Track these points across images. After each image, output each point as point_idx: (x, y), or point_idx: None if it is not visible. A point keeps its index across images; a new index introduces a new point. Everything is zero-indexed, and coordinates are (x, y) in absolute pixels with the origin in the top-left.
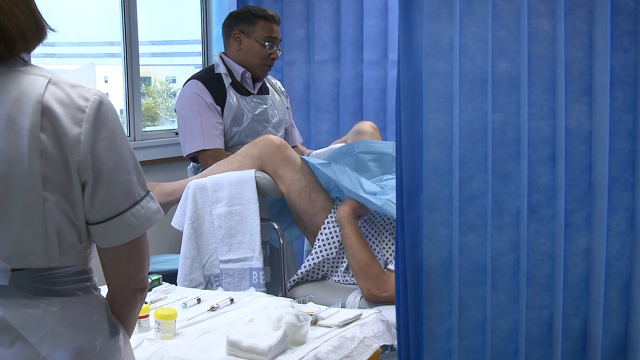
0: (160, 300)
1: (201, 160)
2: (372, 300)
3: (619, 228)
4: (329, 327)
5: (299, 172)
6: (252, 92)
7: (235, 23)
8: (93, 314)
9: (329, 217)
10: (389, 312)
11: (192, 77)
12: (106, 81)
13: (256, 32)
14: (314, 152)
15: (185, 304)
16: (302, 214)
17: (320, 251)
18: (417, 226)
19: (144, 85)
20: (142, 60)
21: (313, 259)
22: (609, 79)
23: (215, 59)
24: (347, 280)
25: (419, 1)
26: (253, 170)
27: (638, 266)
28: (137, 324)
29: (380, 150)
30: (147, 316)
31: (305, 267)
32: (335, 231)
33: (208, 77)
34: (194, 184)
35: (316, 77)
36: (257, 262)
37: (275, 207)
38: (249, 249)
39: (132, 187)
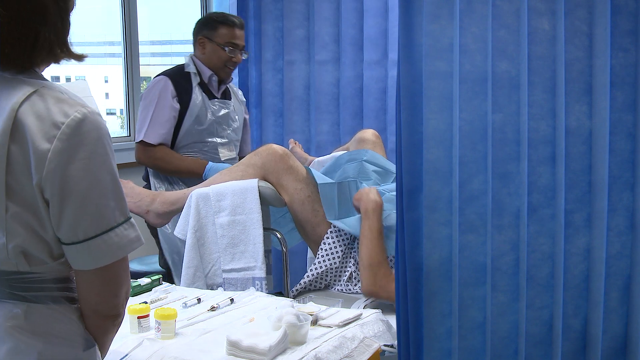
0: (161, 300)
1: (137, 149)
2: (369, 296)
3: (619, 228)
4: (329, 327)
5: (302, 181)
6: (216, 95)
7: (199, 29)
8: (62, 324)
9: (331, 226)
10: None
11: (163, 73)
12: (106, 81)
13: (217, 37)
14: (317, 159)
15: (185, 304)
16: (305, 224)
17: (324, 261)
18: (417, 226)
19: (145, 83)
20: (142, 60)
21: (316, 268)
22: (609, 79)
23: (186, 59)
24: (350, 290)
25: (419, 1)
26: (256, 180)
27: (638, 266)
28: (137, 324)
29: (387, 167)
30: (147, 316)
31: (308, 276)
32: (338, 241)
33: (177, 75)
34: (197, 193)
35: (316, 77)
36: (260, 272)
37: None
38: (252, 258)
39: (107, 212)
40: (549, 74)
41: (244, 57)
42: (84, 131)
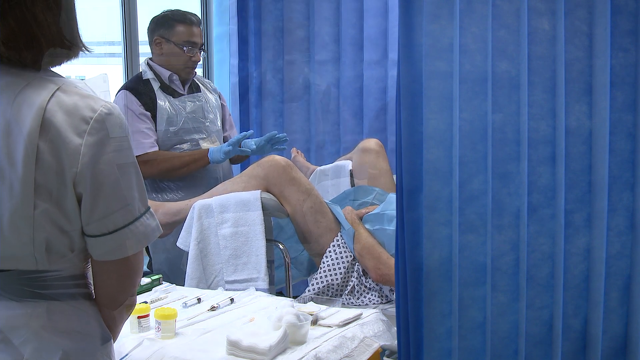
0: (161, 299)
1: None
2: (382, 281)
3: (619, 228)
4: (329, 326)
5: (304, 192)
6: (183, 92)
7: (156, 28)
8: (82, 320)
9: (334, 240)
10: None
11: (122, 87)
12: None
13: (174, 36)
14: (319, 168)
15: (185, 304)
16: (307, 235)
17: (325, 276)
18: (417, 226)
19: None
20: (142, 60)
21: (317, 283)
22: (609, 79)
23: (142, 66)
24: (352, 303)
25: (419, 1)
26: (259, 191)
27: (638, 266)
28: (137, 324)
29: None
30: (147, 316)
31: (309, 290)
32: (341, 256)
33: (137, 85)
34: (200, 204)
35: (316, 77)
36: (263, 283)
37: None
38: (255, 270)
39: (133, 203)
40: (549, 74)
41: (202, 55)
42: (111, 125)
